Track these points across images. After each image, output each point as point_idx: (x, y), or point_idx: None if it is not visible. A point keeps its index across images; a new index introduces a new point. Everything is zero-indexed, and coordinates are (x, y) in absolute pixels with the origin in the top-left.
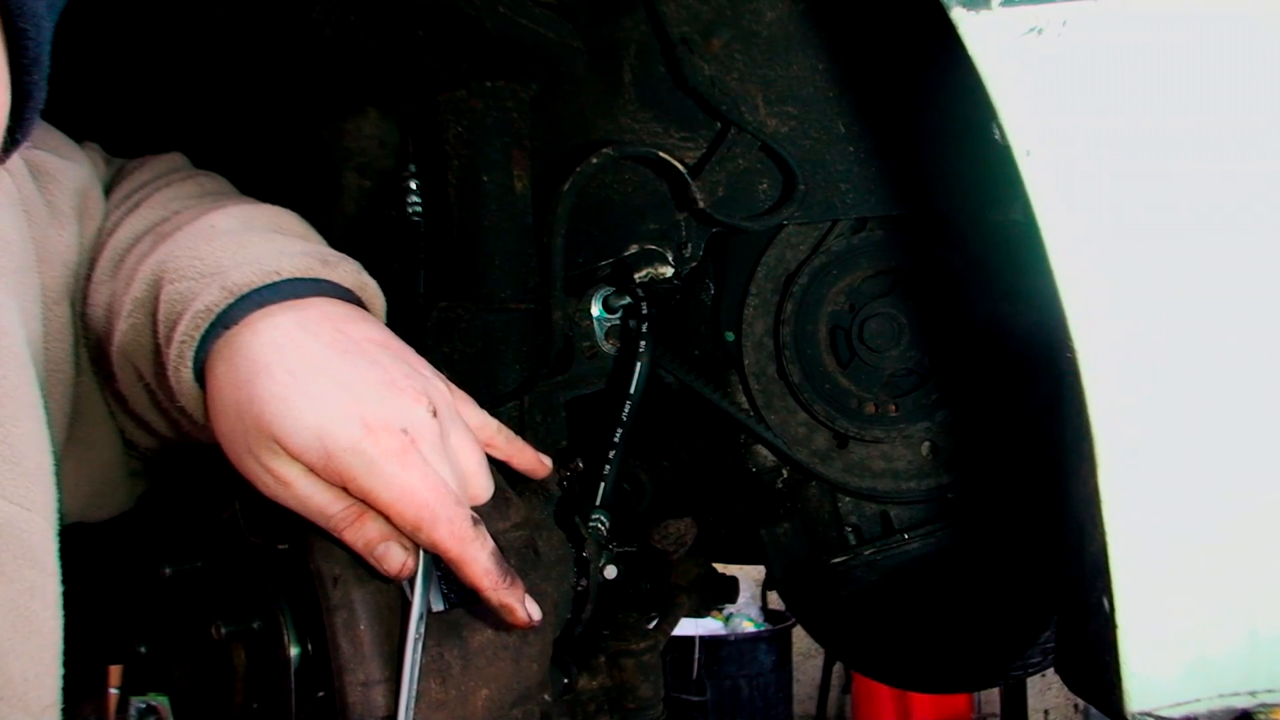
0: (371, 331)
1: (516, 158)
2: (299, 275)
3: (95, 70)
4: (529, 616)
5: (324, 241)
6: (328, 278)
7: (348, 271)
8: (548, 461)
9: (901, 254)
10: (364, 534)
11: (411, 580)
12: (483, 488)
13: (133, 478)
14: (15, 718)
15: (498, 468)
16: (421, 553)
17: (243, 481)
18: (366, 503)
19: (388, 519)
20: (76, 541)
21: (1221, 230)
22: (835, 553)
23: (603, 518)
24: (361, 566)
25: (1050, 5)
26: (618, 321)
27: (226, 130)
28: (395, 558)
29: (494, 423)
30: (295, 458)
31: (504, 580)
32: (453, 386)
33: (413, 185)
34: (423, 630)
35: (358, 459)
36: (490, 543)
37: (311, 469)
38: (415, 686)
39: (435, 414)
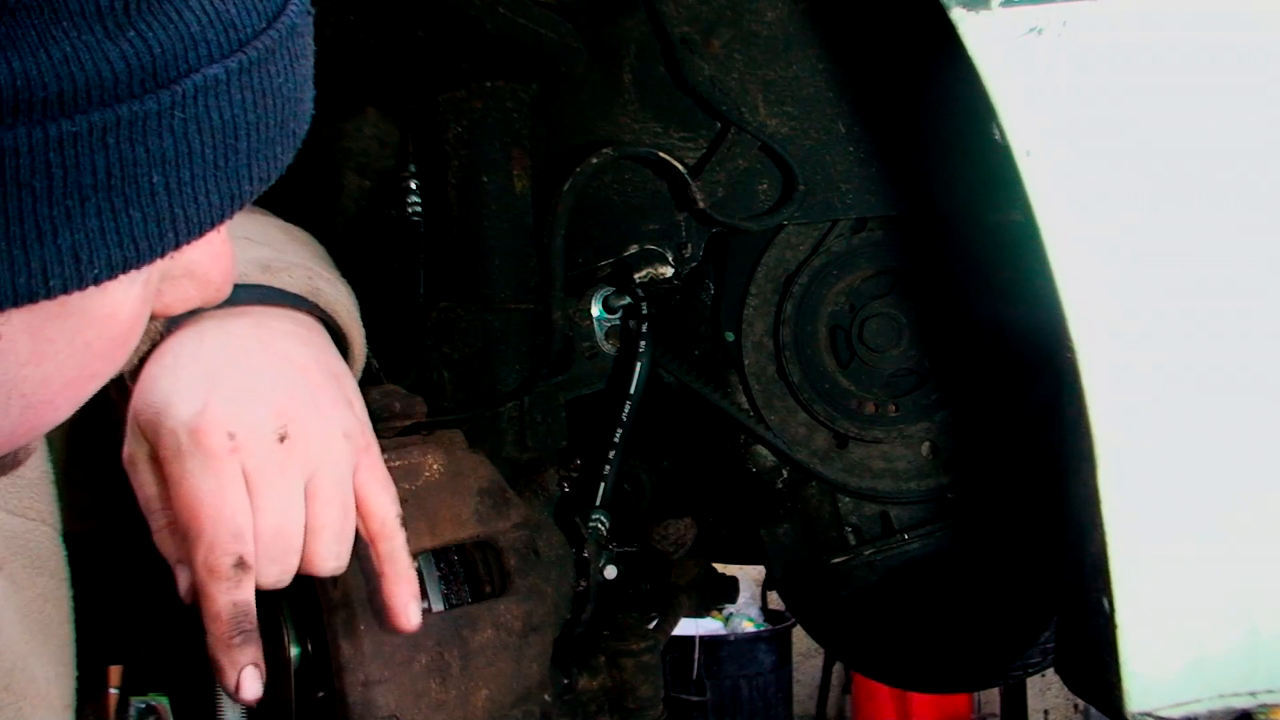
0: (298, 354)
1: (516, 158)
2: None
3: None
4: (233, 688)
5: (292, 244)
6: (269, 284)
7: (295, 277)
8: (414, 618)
9: (901, 254)
10: (164, 544)
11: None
12: (389, 511)
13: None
14: (41, 716)
15: (498, 468)
16: (420, 557)
17: None
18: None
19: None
20: (77, 542)
21: (1221, 230)
22: (835, 553)
23: (603, 518)
24: (362, 567)
25: (1050, 5)
26: (618, 321)
27: None
28: (181, 582)
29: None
30: (141, 430)
31: (231, 637)
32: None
33: (413, 185)
34: None
35: (172, 441)
36: (243, 597)
37: (150, 448)
38: None
39: (297, 443)
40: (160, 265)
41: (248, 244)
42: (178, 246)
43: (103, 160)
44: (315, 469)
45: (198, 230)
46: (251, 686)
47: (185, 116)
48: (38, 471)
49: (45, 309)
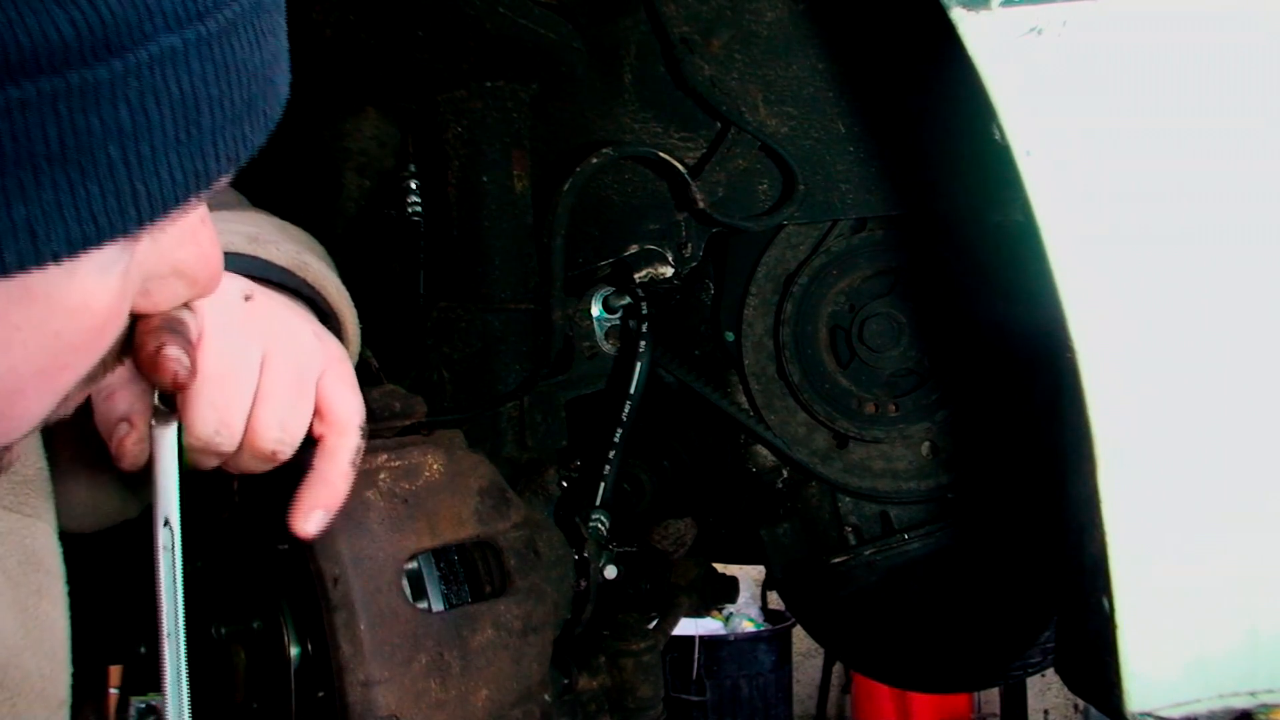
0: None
1: (516, 158)
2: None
3: None
4: (176, 374)
5: (287, 239)
6: (255, 254)
7: (284, 250)
8: (309, 527)
9: (901, 254)
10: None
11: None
12: (351, 414)
13: (124, 490)
14: (34, 711)
15: (498, 468)
16: (420, 557)
17: (243, 482)
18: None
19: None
20: (77, 542)
21: (1221, 230)
22: (835, 553)
23: (603, 518)
24: (363, 567)
25: (1050, 5)
26: (618, 321)
27: None
28: (131, 443)
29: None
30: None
31: (158, 330)
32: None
33: (413, 185)
34: (176, 544)
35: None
36: (180, 337)
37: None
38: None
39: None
40: (144, 265)
41: (237, 223)
42: (141, 224)
43: (55, 130)
44: (274, 345)
45: (161, 208)
46: (177, 359)
47: (141, 87)
48: (33, 469)
49: (7, 292)
